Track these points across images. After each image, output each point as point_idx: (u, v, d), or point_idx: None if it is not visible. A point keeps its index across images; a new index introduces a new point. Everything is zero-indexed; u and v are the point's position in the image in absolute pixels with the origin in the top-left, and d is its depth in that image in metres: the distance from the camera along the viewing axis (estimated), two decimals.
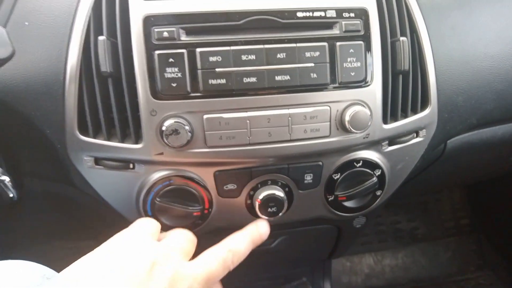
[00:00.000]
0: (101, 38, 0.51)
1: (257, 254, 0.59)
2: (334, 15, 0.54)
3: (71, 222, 0.83)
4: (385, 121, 0.59)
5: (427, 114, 0.62)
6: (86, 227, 0.84)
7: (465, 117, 0.66)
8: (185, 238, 0.53)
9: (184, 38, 0.52)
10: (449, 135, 0.68)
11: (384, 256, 1.53)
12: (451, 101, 0.63)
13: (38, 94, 0.53)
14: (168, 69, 0.52)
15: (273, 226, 0.67)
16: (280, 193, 0.59)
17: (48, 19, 0.53)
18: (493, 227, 1.54)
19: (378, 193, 0.64)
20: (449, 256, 1.55)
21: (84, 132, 0.54)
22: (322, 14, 0.54)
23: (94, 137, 0.54)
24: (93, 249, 0.46)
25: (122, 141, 0.55)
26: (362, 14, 0.55)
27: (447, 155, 0.73)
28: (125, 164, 0.56)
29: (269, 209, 0.59)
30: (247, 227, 0.59)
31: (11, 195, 0.55)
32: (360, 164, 0.60)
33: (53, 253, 0.98)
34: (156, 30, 0.51)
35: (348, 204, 0.63)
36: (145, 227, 0.52)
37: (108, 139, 0.55)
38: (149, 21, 0.51)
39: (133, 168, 0.56)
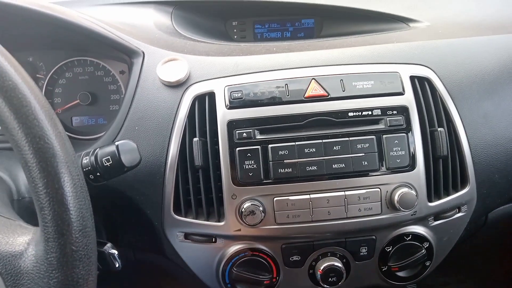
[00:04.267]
0: (195, 139, 0.65)
1: None
2: (380, 113, 0.66)
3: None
4: (429, 200, 0.68)
5: (467, 191, 0.70)
6: None
7: (503, 192, 0.73)
8: None
9: (258, 136, 0.65)
10: (490, 208, 0.75)
11: None
12: (488, 179, 0.71)
13: (143, 182, 0.67)
14: (246, 162, 0.64)
15: None
16: (339, 264, 0.68)
17: (152, 125, 0.68)
18: None
19: (428, 263, 0.71)
20: None
21: (178, 212, 0.67)
22: (369, 113, 0.66)
23: (185, 216, 0.67)
24: None
25: (207, 219, 0.67)
26: (403, 110, 0.67)
27: (489, 225, 0.79)
28: (209, 238, 0.68)
29: (330, 279, 0.68)
30: None
31: (117, 265, 0.67)
32: (410, 237, 0.69)
33: None
34: (237, 131, 0.65)
35: (400, 274, 0.70)
36: None
37: (196, 218, 0.67)
38: (232, 125, 0.65)
39: (215, 242, 0.68)
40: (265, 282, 0.68)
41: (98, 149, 0.55)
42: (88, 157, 0.55)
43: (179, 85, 0.68)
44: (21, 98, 0.40)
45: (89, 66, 0.84)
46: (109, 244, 0.63)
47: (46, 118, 0.41)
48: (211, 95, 0.67)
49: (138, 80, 0.70)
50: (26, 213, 0.57)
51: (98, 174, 0.54)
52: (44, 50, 0.85)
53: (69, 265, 0.41)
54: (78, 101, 0.83)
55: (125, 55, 0.75)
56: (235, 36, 0.97)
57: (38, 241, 0.42)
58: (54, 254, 0.41)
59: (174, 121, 0.67)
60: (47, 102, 0.43)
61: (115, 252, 0.65)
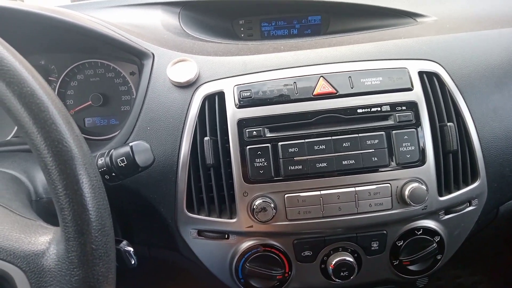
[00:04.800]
0: (206, 138, 0.66)
1: None
2: (389, 109, 0.67)
3: (169, 283, 0.97)
4: (440, 194, 0.68)
5: (477, 185, 0.70)
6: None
7: None
8: None
9: (268, 134, 0.66)
10: (500, 202, 0.75)
11: None
12: (499, 172, 0.71)
13: (156, 181, 0.69)
14: (257, 160, 0.65)
15: None
16: (350, 259, 0.69)
17: (164, 125, 0.69)
18: None
19: (439, 257, 0.71)
20: None
21: (190, 209, 0.69)
22: (378, 109, 0.66)
23: (198, 213, 0.68)
24: None
25: (220, 216, 0.68)
26: (412, 106, 0.67)
27: (500, 218, 0.79)
28: (221, 235, 0.69)
29: (342, 273, 0.68)
30: None
31: (133, 262, 0.69)
32: (421, 232, 0.69)
33: None
34: (247, 130, 0.66)
35: (411, 267, 0.71)
36: None
37: (209, 215, 0.68)
38: (242, 124, 0.66)
39: (228, 238, 0.69)
40: (277, 277, 0.69)
41: (112, 150, 0.56)
42: (103, 158, 0.56)
43: (189, 86, 0.69)
44: (39, 104, 0.42)
45: (100, 68, 0.86)
46: (124, 242, 0.65)
47: (63, 122, 0.43)
48: (221, 95, 0.68)
49: (148, 82, 0.71)
50: (44, 213, 0.59)
51: (113, 174, 0.56)
52: (56, 53, 0.86)
53: (89, 263, 0.43)
54: (90, 102, 0.85)
55: (135, 56, 0.76)
56: (242, 35, 0.98)
57: (59, 241, 0.44)
58: (75, 252, 0.42)
59: (185, 121, 0.68)
60: (63, 106, 0.45)
61: (130, 249, 0.67)
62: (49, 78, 0.87)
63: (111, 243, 0.45)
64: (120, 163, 0.55)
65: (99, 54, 0.85)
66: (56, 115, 0.42)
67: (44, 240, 0.45)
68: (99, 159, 0.56)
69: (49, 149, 0.41)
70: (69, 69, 0.86)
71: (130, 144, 0.56)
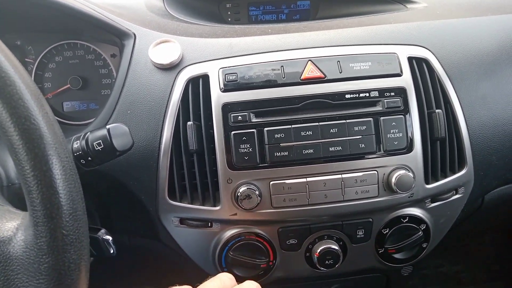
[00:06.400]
0: (189, 123, 0.64)
1: None
2: (377, 95, 0.65)
3: (150, 272, 0.95)
4: (427, 182, 0.67)
5: (464, 173, 0.69)
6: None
7: (500, 174, 0.73)
8: None
9: (254, 120, 0.64)
10: (486, 190, 0.75)
11: None
12: (486, 160, 0.71)
13: (137, 167, 0.66)
14: (242, 146, 0.63)
15: (328, 276, 0.75)
16: (335, 247, 0.67)
17: (145, 108, 0.66)
18: None
19: (424, 245, 0.71)
20: None
21: (172, 197, 0.66)
22: (367, 94, 0.65)
23: (180, 201, 0.66)
24: None
25: (203, 204, 0.66)
26: (401, 92, 0.65)
27: (485, 206, 0.79)
28: (204, 223, 0.67)
29: (327, 262, 0.67)
30: None
31: (111, 251, 0.66)
32: (407, 220, 0.68)
33: None
34: (232, 115, 0.63)
35: (397, 256, 0.70)
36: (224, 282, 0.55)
37: (191, 203, 0.66)
38: (227, 108, 0.64)
39: (211, 226, 0.67)
40: (261, 265, 0.67)
41: (89, 133, 0.54)
42: (79, 141, 0.53)
43: (172, 68, 0.66)
44: (4, 77, 0.39)
45: (80, 49, 0.82)
46: (103, 230, 0.62)
47: (32, 98, 0.39)
48: (205, 78, 0.65)
49: (129, 63, 0.68)
50: (17, 199, 0.56)
51: (89, 158, 0.53)
52: (33, 33, 0.82)
53: (59, 249, 0.40)
54: (69, 85, 0.81)
55: (116, 37, 0.73)
56: (229, 19, 0.95)
57: (27, 226, 0.41)
58: (44, 238, 0.40)
59: (167, 104, 0.66)
60: (33, 81, 0.41)
61: (109, 238, 0.64)
62: (26, 59, 0.82)
63: (83, 228, 0.42)
64: (97, 147, 0.52)
65: (79, 35, 0.81)
66: (24, 90, 0.39)
67: (11, 225, 0.42)
68: (75, 143, 0.53)
69: (15, 126, 0.38)
70: (47, 50, 0.82)
71: (108, 126, 0.53)
